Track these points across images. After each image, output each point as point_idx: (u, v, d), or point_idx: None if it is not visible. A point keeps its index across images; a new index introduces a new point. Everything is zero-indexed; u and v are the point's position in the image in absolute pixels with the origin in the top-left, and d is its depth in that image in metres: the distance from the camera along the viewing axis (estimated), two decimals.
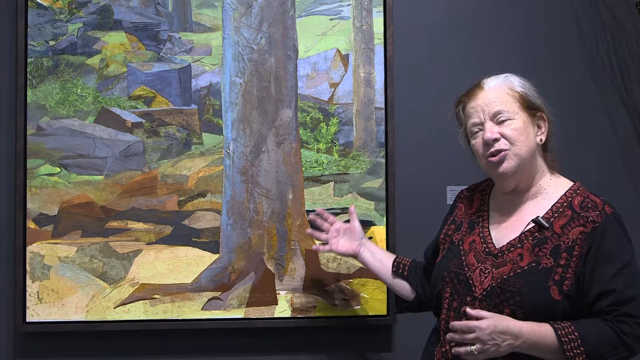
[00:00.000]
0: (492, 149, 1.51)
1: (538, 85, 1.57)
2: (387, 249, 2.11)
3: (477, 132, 1.56)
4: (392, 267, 1.83)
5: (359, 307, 2.12)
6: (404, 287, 1.82)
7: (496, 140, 1.50)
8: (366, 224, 2.12)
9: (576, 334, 1.40)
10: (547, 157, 1.59)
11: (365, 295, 2.12)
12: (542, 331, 1.40)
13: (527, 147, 1.52)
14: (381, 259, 1.85)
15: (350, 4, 2.15)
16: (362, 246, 1.86)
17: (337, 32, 2.15)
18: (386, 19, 2.15)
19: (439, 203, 2.16)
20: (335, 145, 2.14)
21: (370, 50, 2.15)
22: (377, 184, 2.14)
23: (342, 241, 1.88)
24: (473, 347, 1.40)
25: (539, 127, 1.56)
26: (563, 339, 1.39)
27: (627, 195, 2.25)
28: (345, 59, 2.15)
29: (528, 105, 1.54)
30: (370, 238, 2.10)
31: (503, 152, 1.50)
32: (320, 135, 2.14)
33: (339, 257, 2.10)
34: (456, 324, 1.43)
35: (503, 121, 1.51)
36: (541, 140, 1.56)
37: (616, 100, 2.27)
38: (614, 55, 2.27)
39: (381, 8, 2.15)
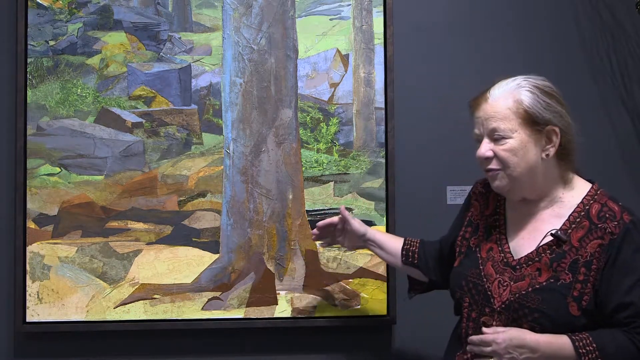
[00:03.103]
0: (487, 166, 1.51)
1: None
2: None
3: (478, 142, 1.54)
4: (402, 257, 1.82)
5: (359, 307, 2.12)
6: (416, 273, 1.82)
7: (488, 158, 1.49)
8: (366, 224, 2.11)
9: (594, 345, 1.38)
10: (562, 165, 1.51)
11: (365, 295, 2.12)
12: (559, 343, 1.39)
13: (521, 168, 1.47)
14: (389, 250, 1.84)
15: (350, 4, 2.15)
16: (366, 242, 1.85)
17: (337, 32, 2.15)
18: (386, 19, 2.15)
19: (439, 203, 2.16)
20: (335, 145, 2.14)
21: (370, 50, 2.15)
22: (377, 184, 2.14)
23: (347, 241, 1.89)
24: None
25: (549, 140, 1.47)
26: (581, 350, 1.38)
27: (627, 195, 2.23)
28: (345, 59, 2.15)
29: (533, 122, 1.46)
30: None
31: (494, 172, 1.49)
32: (320, 135, 2.14)
33: (339, 257, 2.10)
34: (474, 338, 1.44)
35: (498, 139, 1.47)
36: (547, 155, 1.47)
37: (616, 100, 2.27)
38: (614, 55, 2.27)
39: (381, 8, 2.15)
